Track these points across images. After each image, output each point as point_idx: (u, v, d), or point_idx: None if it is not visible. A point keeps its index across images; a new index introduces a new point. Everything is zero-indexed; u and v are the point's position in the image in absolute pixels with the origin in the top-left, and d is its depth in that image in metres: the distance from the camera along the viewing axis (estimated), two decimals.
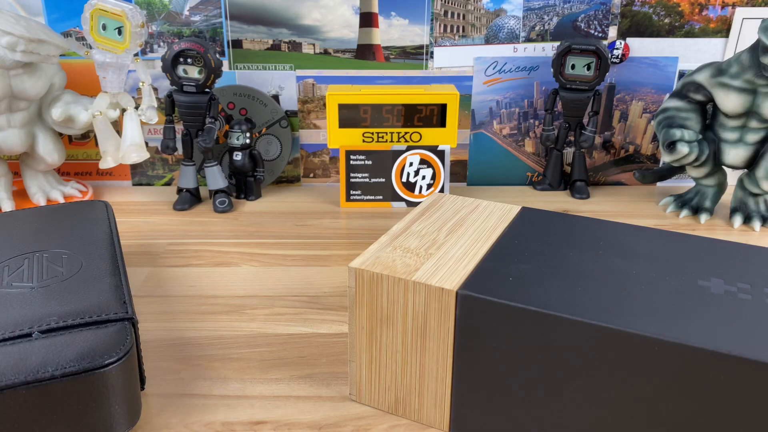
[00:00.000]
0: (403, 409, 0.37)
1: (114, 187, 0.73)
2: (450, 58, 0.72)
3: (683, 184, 0.74)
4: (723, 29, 0.70)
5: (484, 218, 0.41)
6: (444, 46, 0.71)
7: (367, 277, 0.34)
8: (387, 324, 0.35)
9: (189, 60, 0.64)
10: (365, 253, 0.36)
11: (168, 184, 0.74)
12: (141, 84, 0.63)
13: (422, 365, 0.35)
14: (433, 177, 0.67)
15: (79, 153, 0.73)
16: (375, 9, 0.70)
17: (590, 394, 0.30)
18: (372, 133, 0.66)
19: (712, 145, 0.63)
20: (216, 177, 0.67)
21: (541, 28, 0.71)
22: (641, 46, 0.71)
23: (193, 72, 0.65)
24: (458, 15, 0.71)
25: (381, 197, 0.68)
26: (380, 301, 0.34)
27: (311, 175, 0.76)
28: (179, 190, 0.69)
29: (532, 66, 0.72)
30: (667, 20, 0.70)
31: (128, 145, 0.63)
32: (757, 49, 0.57)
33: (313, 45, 0.71)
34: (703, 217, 0.65)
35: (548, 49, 0.71)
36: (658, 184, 0.76)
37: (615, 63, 0.71)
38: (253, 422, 0.36)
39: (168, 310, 0.46)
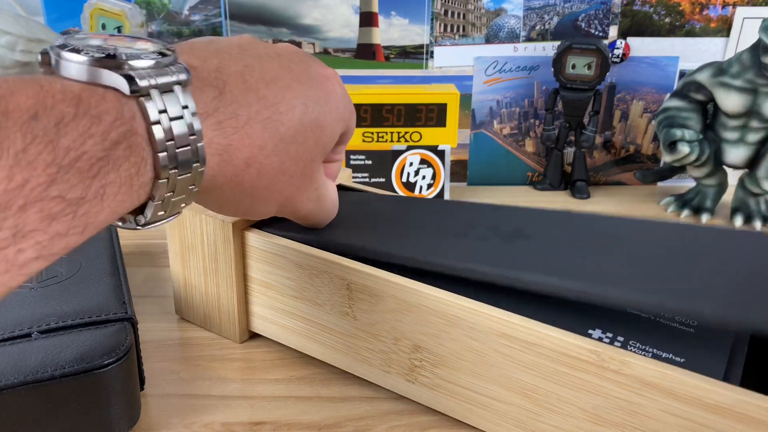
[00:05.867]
0: (209, 325, 0.43)
1: None
2: (450, 58, 0.72)
3: (684, 183, 0.74)
4: (724, 29, 0.70)
5: None
6: (444, 45, 0.71)
7: None
8: (191, 250, 0.41)
9: None
10: None
11: None
12: None
13: (218, 286, 0.41)
14: (433, 177, 0.67)
15: None
16: (375, 8, 0.70)
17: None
18: (372, 133, 0.66)
19: (713, 145, 0.63)
20: None
21: (542, 27, 0.71)
22: (642, 46, 0.71)
23: None
24: (458, 14, 0.70)
25: None
26: (185, 231, 0.41)
27: None
28: None
29: (532, 65, 0.72)
30: (667, 20, 0.70)
31: None
32: (757, 48, 0.57)
33: (313, 44, 0.71)
34: (704, 217, 0.65)
35: (548, 48, 0.71)
36: (659, 183, 0.76)
37: (615, 62, 0.71)
38: (253, 422, 0.35)
39: (168, 310, 0.46)
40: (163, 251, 0.56)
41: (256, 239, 0.38)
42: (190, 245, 0.41)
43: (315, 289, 0.37)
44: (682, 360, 0.29)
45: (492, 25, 0.71)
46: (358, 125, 0.66)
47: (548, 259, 0.33)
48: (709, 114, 0.65)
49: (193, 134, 0.25)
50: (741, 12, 0.69)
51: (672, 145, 0.63)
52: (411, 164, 0.67)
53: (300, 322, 0.39)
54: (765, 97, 0.58)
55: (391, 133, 0.66)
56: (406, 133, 0.66)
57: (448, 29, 0.71)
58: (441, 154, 0.66)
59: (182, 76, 0.25)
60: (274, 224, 0.40)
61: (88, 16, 0.61)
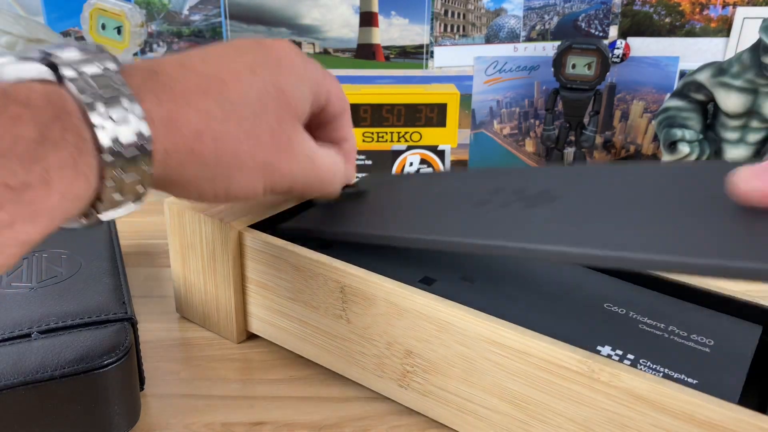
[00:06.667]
0: (208, 324, 0.43)
1: None
2: (450, 58, 0.72)
3: None
4: (724, 29, 0.70)
5: None
6: (444, 45, 0.71)
7: (176, 210, 0.41)
8: (191, 250, 0.41)
9: None
10: None
11: None
12: None
13: (216, 286, 0.41)
14: None
15: None
16: (375, 8, 0.70)
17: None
18: (372, 133, 0.66)
19: (713, 145, 0.63)
20: None
21: (542, 27, 0.71)
22: (642, 46, 0.71)
23: None
24: (458, 14, 0.70)
25: None
26: (185, 231, 0.41)
27: None
28: None
29: (532, 65, 0.72)
30: (667, 20, 0.70)
31: None
32: (758, 48, 0.57)
33: (313, 44, 0.71)
34: None
35: (549, 48, 0.71)
36: None
37: (616, 62, 0.71)
38: (253, 423, 0.35)
39: (168, 310, 0.46)
40: (163, 251, 0.55)
41: (253, 240, 0.38)
42: (190, 245, 0.41)
43: (310, 291, 0.37)
44: (695, 382, 0.28)
45: (492, 25, 0.71)
46: (358, 125, 0.66)
47: (568, 225, 0.29)
48: (710, 114, 0.65)
49: (130, 111, 0.25)
50: (741, 12, 0.69)
51: (672, 145, 0.63)
52: (411, 164, 0.66)
53: (295, 324, 0.39)
54: (765, 97, 0.58)
55: (391, 133, 0.66)
56: (406, 133, 0.66)
57: (448, 29, 0.71)
58: (441, 154, 0.66)
59: (110, 65, 0.25)
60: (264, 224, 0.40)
61: (88, 16, 0.61)
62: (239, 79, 0.30)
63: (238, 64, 0.30)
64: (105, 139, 0.24)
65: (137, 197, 0.27)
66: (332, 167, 0.35)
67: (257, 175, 0.31)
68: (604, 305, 0.34)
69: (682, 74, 0.71)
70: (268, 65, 0.31)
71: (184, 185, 0.29)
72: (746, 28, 0.70)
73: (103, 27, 0.62)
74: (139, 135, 0.25)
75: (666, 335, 0.32)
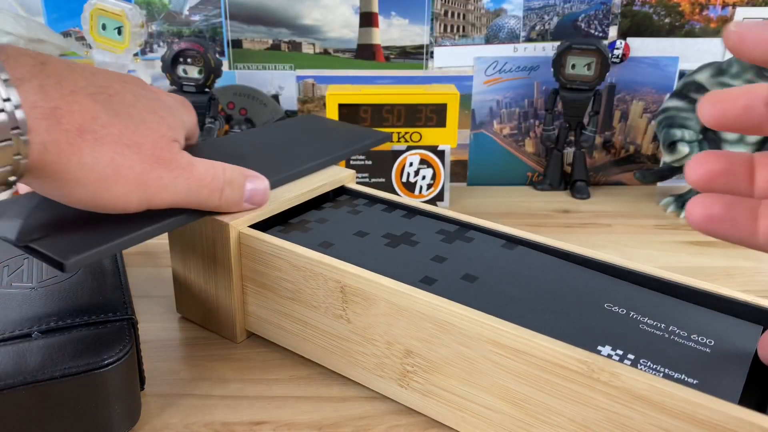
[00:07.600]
0: (208, 324, 0.43)
1: None
2: (450, 58, 0.72)
3: (684, 184, 0.74)
4: (723, 29, 0.70)
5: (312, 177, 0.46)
6: (444, 45, 0.71)
7: None
8: (191, 250, 0.41)
9: (189, 60, 0.64)
10: None
11: None
12: None
13: (216, 286, 0.41)
14: (433, 177, 0.67)
15: None
16: (375, 9, 0.70)
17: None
18: None
19: (713, 145, 0.63)
20: None
21: (542, 27, 0.71)
22: (642, 46, 0.71)
23: (193, 72, 0.65)
24: (458, 15, 0.70)
25: None
26: (185, 231, 0.41)
27: None
28: None
29: (532, 66, 0.72)
30: (667, 20, 0.70)
31: None
32: None
33: (313, 45, 0.71)
34: None
35: (548, 48, 0.71)
36: (659, 184, 0.76)
37: (615, 63, 0.71)
38: (253, 422, 0.35)
39: (168, 310, 0.46)
40: (163, 251, 0.56)
41: (253, 240, 0.39)
42: (190, 245, 0.41)
43: (310, 291, 0.37)
44: (695, 382, 0.28)
45: (492, 25, 0.71)
46: (359, 125, 0.66)
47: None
48: None
49: (7, 99, 0.25)
50: (741, 12, 0.69)
51: (672, 145, 0.63)
52: (411, 164, 0.67)
53: (295, 324, 0.39)
54: None
55: (391, 133, 0.66)
56: (406, 133, 0.66)
57: (448, 29, 0.71)
58: (441, 155, 0.66)
59: None
60: (261, 225, 0.41)
61: (89, 16, 0.61)
62: (124, 96, 0.31)
63: (123, 86, 0.32)
64: None
65: (6, 185, 0.27)
66: (210, 170, 0.36)
67: (133, 186, 0.31)
68: (604, 305, 0.34)
69: (682, 74, 0.71)
70: (148, 96, 0.34)
71: (55, 184, 0.29)
72: None
73: (104, 27, 0.62)
74: (12, 121, 0.25)
75: (666, 335, 0.32)
